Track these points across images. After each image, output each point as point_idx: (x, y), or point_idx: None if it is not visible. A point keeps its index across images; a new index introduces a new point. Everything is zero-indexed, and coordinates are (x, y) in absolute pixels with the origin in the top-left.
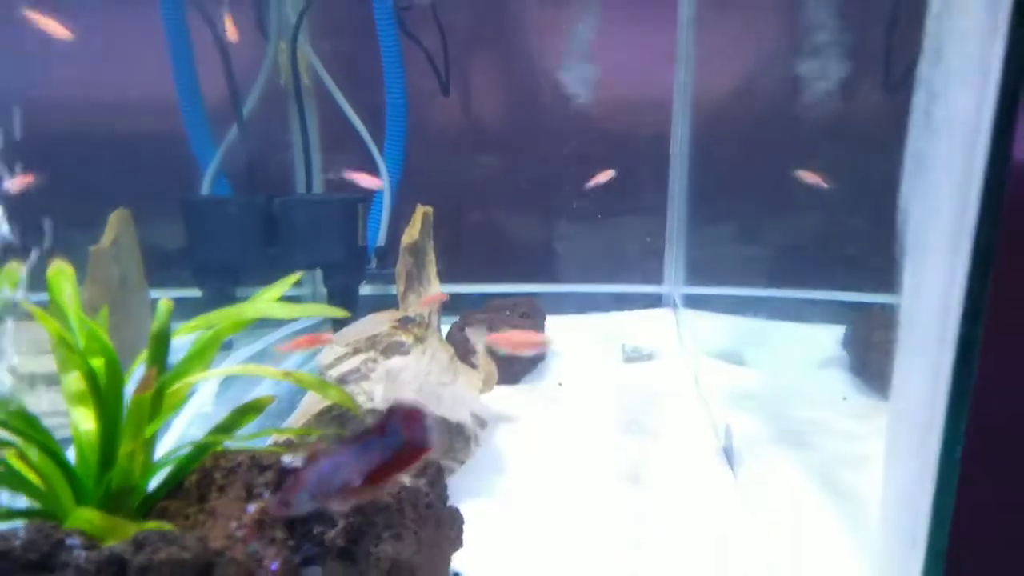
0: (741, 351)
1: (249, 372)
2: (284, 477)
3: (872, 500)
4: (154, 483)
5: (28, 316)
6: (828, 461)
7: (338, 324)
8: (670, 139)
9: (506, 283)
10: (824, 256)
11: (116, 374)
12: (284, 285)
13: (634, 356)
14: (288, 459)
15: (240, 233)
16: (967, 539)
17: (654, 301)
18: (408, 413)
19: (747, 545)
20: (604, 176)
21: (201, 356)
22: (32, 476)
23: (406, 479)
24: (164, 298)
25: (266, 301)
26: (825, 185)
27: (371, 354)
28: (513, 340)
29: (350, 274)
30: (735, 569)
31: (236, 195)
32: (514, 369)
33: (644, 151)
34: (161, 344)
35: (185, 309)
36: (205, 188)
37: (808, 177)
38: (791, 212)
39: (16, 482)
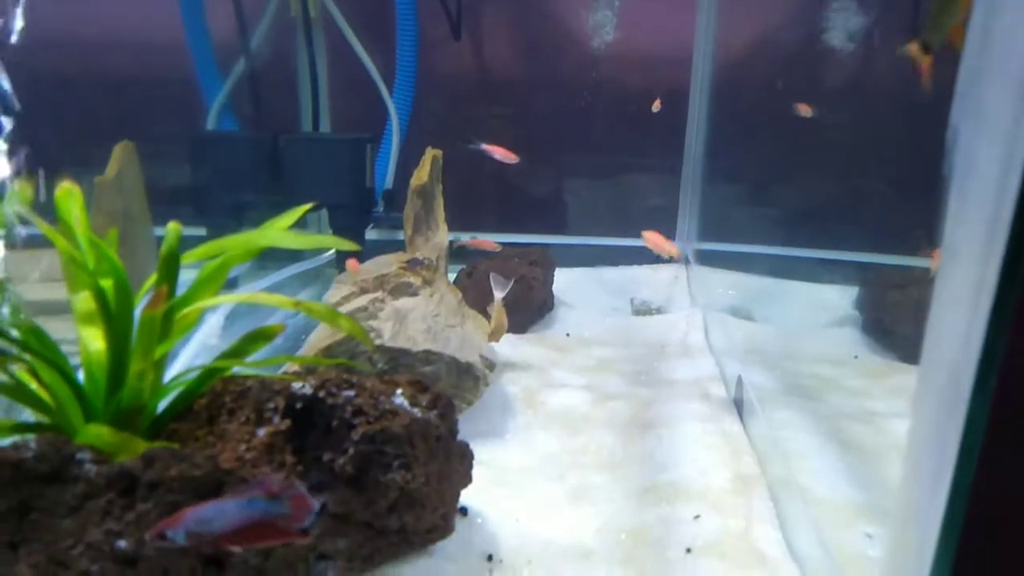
0: (751, 308)
1: (258, 300)
2: (293, 403)
3: (879, 451)
4: (163, 407)
5: (35, 244)
6: (836, 415)
7: (343, 262)
8: (689, 93)
9: (515, 233)
10: (840, 217)
11: (126, 294)
12: (294, 216)
13: (643, 309)
14: (297, 386)
15: (245, 170)
16: (993, 475)
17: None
18: (299, 497)
19: (755, 490)
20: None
21: (210, 282)
22: (42, 393)
23: (417, 411)
24: (173, 221)
25: (276, 230)
26: (810, 113)
27: (379, 294)
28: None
29: (356, 216)
30: (744, 511)
31: (242, 131)
32: (521, 318)
33: (663, 106)
34: (171, 266)
35: (189, 247)
36: (210, 123)
37: (803, 109)
38: (809, 172)
39: (26, 397)
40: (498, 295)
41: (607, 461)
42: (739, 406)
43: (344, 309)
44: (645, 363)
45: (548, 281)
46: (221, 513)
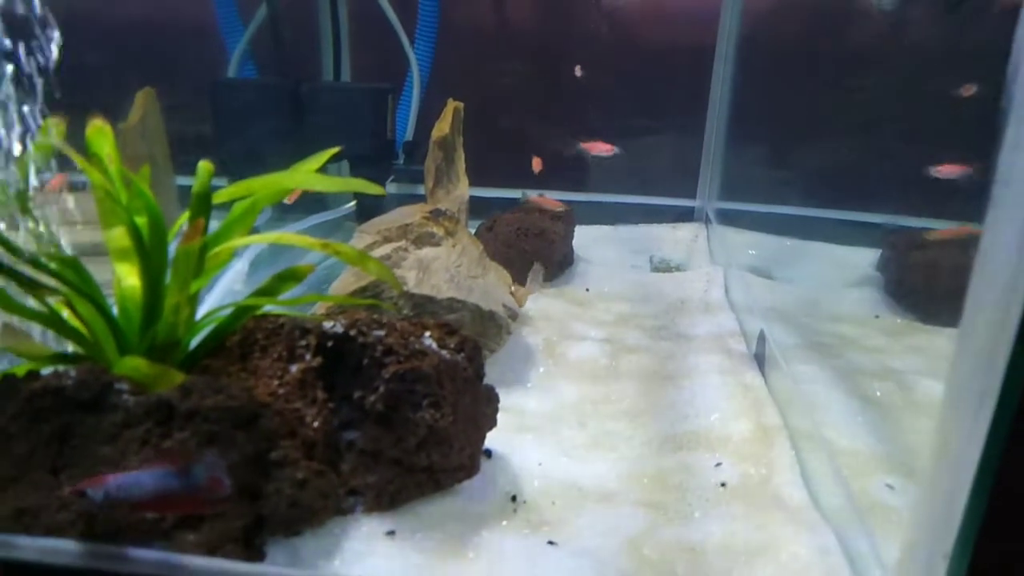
0: (771, 267)
1: (289, 241)
2: (325, 341)
3: (899, 407)
4: (195, 343)
5: (67, 188)
6: (857, 372)
7: (363, 215)
8: (715, 52)
9: (535, 189)
10: (863, 178)
11: (160, 229)
12: (321, 159)
13: (662, 267)
14: (329, 324)
15: (267, 118)
16: None
17: (685, 215)
18: (215, 478)
19: (777, 440)
20: None
21: (241, 222)
22: (78, 325)
23: (445, 352)
24: (204, 160)
25: (304, 172)
26: None
27: (402, 243)
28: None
29: (377, 167)
30: (765, 460)
31: (263, 79)
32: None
33: (687, 64)
34: (203, 204)
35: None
36: (231, 71)
37: None
38: (834, 133)
39: (63, 328)
40: (531, 285)
41: (628, 410)
42: (760, 360)
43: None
44: (665, 318)
45: (569, 236)
46: (138, 483)
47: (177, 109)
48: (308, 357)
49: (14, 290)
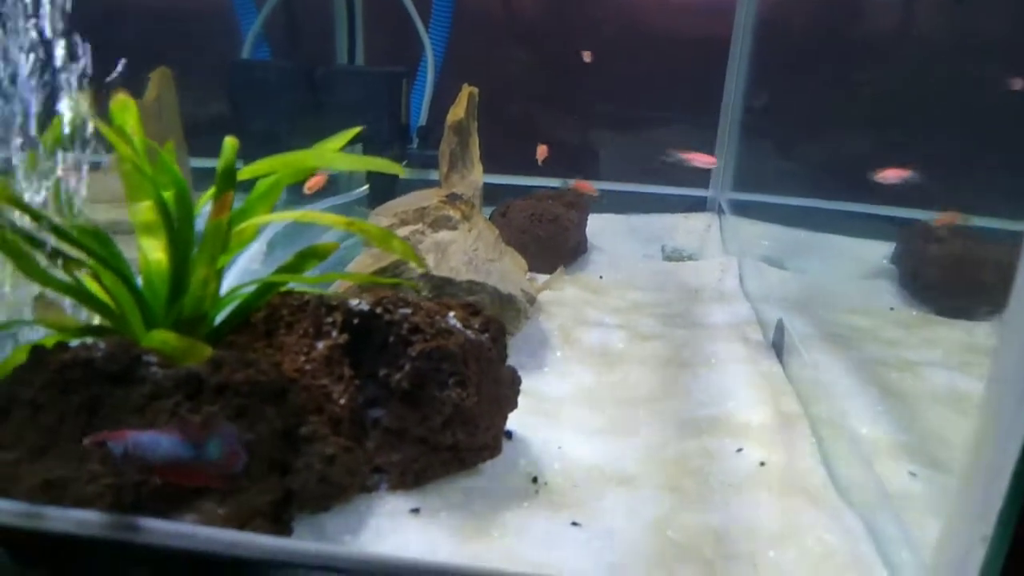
0: (784, 258)
1: (313, 219)
2: (351, 318)
3: (917, 397)
4: (220, 319)
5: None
6: (874, 362)
7: (376, 200)
8: (730, 41)
9: (547, 177)
10: (876, 170)
11: (187, 203)
12: (343, 139)
13: (674, 256)
14: (354, 302)
15: (282, 100)
16: None
17: (697, 204)
18: (232, 453)
19: (797, 427)
20: None
21: (265, 199)
22: (104, 297)
23: (470, 332)
24: (229, 136)
25: (327, 151)
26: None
27: (419, 226)
28: None
29: (391, 151)
30: (786, 446)
31: (279, 61)
32: (554, 259)
33: (702, 53)
34: (228, 180)
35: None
36: (245, 52)
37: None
38: (849, 125)
39: (89, 300)
40: (551, 283)
41: (646, 395)
42: (778, 349)
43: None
44: (679, 306)
45: (582, 224)
46: (156, 445)
47: (190, 89)
48: (334, 334)
49: (41, 263)
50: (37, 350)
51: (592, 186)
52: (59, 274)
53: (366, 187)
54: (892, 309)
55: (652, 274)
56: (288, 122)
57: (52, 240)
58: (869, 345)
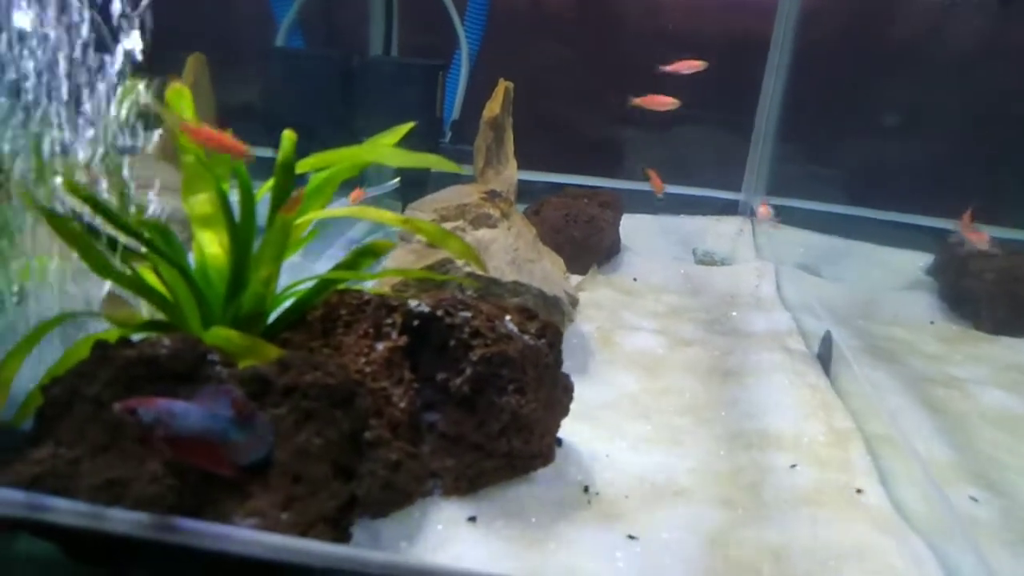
0: (819, 265)
1: (367, 215)
2: (410, 320)
3: (967, 416)
4: (275, 316)
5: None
6: (921, 378)
7: (407, 193)
8: (769, 43)
9: (576, 175)
10: (917, 180)
11: (249, 197)
12: (397, 134)
13: (706, 260)
14: (414, 303)
15: (317, 90)
16: None
17: (728, 208)
18: (261, 435)
19: (852, 444)
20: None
21: (319, 194)
22: (164, 291)
23: (527, 337)
24: (287, 130)
25: (382, 147)
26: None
27: (459, 223)
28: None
29: (425, 144)
30: (842, 464)
31: (316, 50)
32: (588, 260)
33: (739, 52)
34: (287, 174)
35: (261, 168)
36: (279, 39)
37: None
38: (890, 132)
39: (150, 294)
40: (586, 284)
41: (690, 405)
42: (824, 361)
43: (421, 237)
44: (717, 312)
45: (616, 224)
46: (187, 416)
47: (222, 76)
48: (394, 335)
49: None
50: (101, 345)
51: (660, 181)
52: (122, 268)
53: (397, 180)
54: (932, 323)
55: (686, 278)
56: (323, 112)
57: (117, 234)
58: (913, 360)
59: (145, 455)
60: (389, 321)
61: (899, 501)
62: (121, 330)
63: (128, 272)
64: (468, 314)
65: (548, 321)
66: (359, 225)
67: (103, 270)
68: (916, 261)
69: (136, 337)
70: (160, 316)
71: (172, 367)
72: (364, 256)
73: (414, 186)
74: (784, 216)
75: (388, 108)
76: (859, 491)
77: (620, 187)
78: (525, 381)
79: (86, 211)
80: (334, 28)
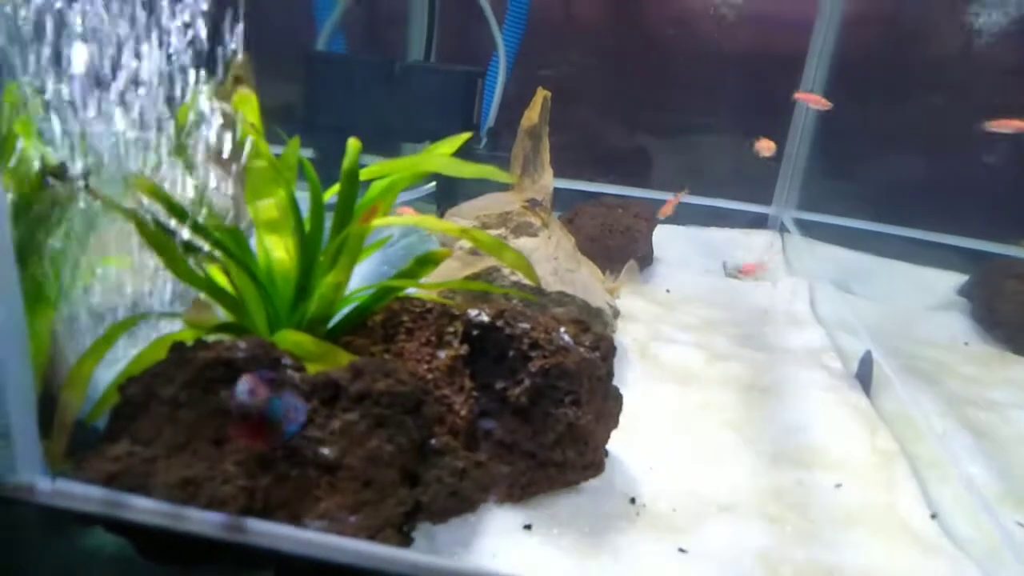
0: (850, 282)
1: (426, 224)
2: (470, 329)
3: (1009, 441)
4: (336, 320)
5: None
6: (960, 401)
7: (442, 197)
8: (805, 58)
9: (597, 183)
10: (954, 200)
11: (319, 203)
12: (455, 143)
13: (735, 273)
14: (474, 313)
15: (360, 94)
16: None
17: (758, 221)
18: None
19: (897, 466)
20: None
21: (381, 202)
22: (232, 291)
23: (583, 349)
24: (353, 138)
25: (439, 156)
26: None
27: (502, 231)
28: None
29: (462, 152)
30: (888, 486)
31: (359, 54)
32: (619, 271)
33: (775, 67)
34: (352, 182)
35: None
36: (321, 43)
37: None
38: (921, 150)
39: (219, 295)
40: (625, 279)
41: (731, 420)
42: (863, 381)
43: (463, 244)
44: (751, 327)
45: (650, 235)
46: (290, 409)
47: (265, 78)
48: (455, 344)
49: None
50: (178, 347)
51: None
52: (199, 271)
53: (433, 183)
54: (967, 344)
55: (718, 291)
56: (362, 116)
57: (194, 237)
58: (950, 381)
59: (219, 456)
60: (451, 330)
61: (948, 525)
62: (194, 331)
63: (203, 276)
64: (527, 325)
65: (603, 334)
66: (386, 230)
67: (184, 274)
68: (948, 281)
69: (209, 339)
70: (229, 318)
71: (247, 370)
72: (425, 264)
73: (449, 191)
74: (816, 232)
75: (427, 114)
76: (906, 513)
77: (648, 196)
78: (581, 393)
79: (159, 212)
80: (373, 33)
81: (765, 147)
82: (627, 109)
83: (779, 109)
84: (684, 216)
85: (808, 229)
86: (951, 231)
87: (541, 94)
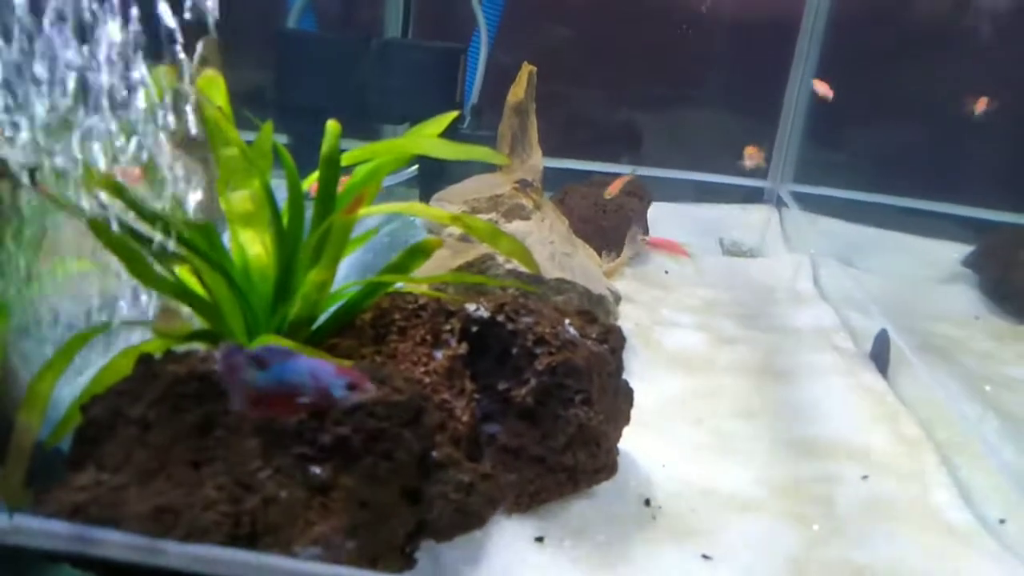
0: (852, 256)
1: (416, 212)
2: (469, 326)
3: None
4: (321, 320)
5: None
6: (979, 379)
7: (425, 182)
8: (800, 25)
9: (583, 161)
10: (956, 169)
11: (298, 194)
12: (441, 123)
13: (733, 250)
14: (472, 307)
15: (335, 73)
16: None
17: (753, 196)
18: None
19: (924, 453)
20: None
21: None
22: (204, 295)
23: (590, 343)
24: (332, 120)
25: (426, 138)
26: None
27: (492, 215)
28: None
29: (446, 132)
30: (917, 475)
31: (331, 33)
32: (617, 251)
33: (767, 34)
34: (333, 168)
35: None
36: (292, 21)
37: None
38: (922, 117)
39: (190, 299)
40: (628, 252)
41: (743, 408)
42: (879, 362)
43: (452, 231)
44: (755, 307)
45: (644, 213)
46: (313, 372)
47: (233, 59)
48: (453, 343)
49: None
50: (145, 361)
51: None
52: (167, 274)
53: (415, 167)
54: (977, 318)
55: (718, 270)
56: (338, 97)
57: (160, 236)
58: (966, 359)
59: (197, 480)
60: (448, 327)
61: (984, 517)
62: (164, 341)
63: (172, 279)
64: (530, 319)
65: (611, 325)
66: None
67: (148, 277)
68: (951, 252)
69: (181, 349)
70: (202, 324)
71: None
72: (415, 256)
73: (432, 174)
74: (814, 205)
75: (407, 93)
76: (940, 505)
77: (640, 174)
78: (591, 391)
79: (115, 208)
80: (346, 9)
81: (753, 155)
82: (614, 82)
83: (772, 79)
84: (677, 193)
85: (806, 202)
86: (952, 200)
87: (526, 69)
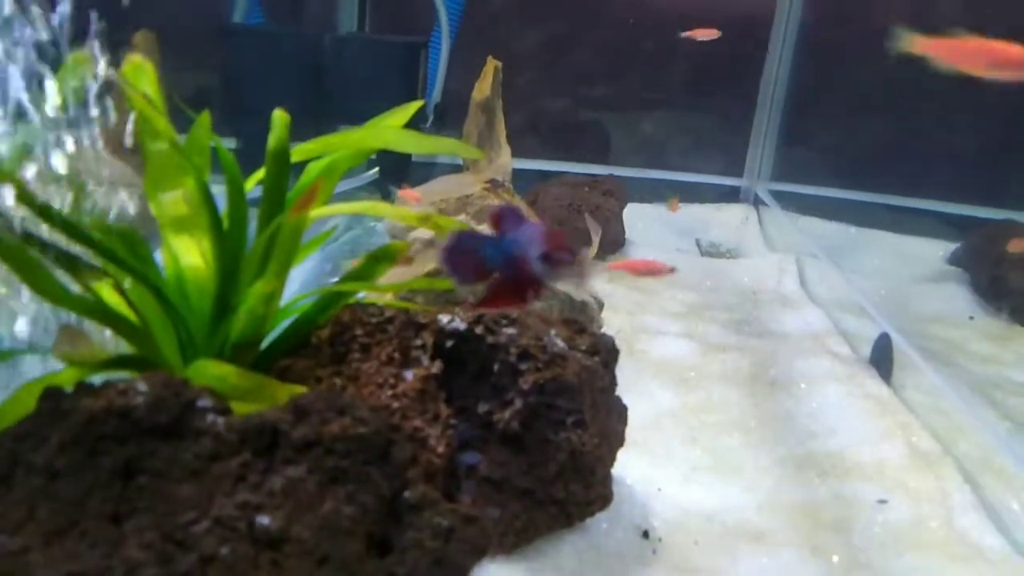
0: (833, 255)
1: (379, 212)
2: (443, 340)
3: None
4: (270, 339)
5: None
6: (983, 384)
7: (387, 184)
8: (773, 19)
9: (554, 161)
10: (932, 164)
11: (240, 195)
12: (405, 113)
13: (712, 251)
14: (446, 319)
15: (285, 71)
16: None
17: (729, 195)
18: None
19: (944, 470)
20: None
21: (320, 187)
22: (130, 315)
23: (579, 355)
24: (278, 110)
25: (389, 129)
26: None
27: (462, 217)
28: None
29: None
30: (938, 496)
31: (281, 27)
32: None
33: (740, 30)
34: (281, 163)
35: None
36: (238, 16)
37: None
38: (901, 113)
39: (117, 322)
40: (595, 240)
41: (739, 422)
42: (880, 367)
43: (420, 235)
44: (742, 311)
45: (621, 214)
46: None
47: (174, 57)
48: (425, 361)
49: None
50: (52, 395)
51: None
52: (77, 290)
53: (375, 171)
54: (972, 318)
55: (699, 272)
56: (289, 96)
57: (68, 244)
58: (967, 363)
59: (118, 537)
60: (419, 342)
61: (1018, 542)
62: (77, 371)
63: (88, 296)
64: (513, 330)
65: (601, 335)
66: (330, 221)
67: (53, 295)
68: (935, 250)
69: (98, 379)
70: (127, 349)
71: (152, 419)
72: (380, 262)
73: (394, 176)
74: (793, 204)
75: (365, 91)
76: (967, 529)
77: (603, 173)
78: (584, 411)
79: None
80: (297, 2)
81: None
82: (581, 80)
83: (746, 74)
84: (651, 193)
85: (784, 201)
86: (935, 197)
87: (492, 64)
